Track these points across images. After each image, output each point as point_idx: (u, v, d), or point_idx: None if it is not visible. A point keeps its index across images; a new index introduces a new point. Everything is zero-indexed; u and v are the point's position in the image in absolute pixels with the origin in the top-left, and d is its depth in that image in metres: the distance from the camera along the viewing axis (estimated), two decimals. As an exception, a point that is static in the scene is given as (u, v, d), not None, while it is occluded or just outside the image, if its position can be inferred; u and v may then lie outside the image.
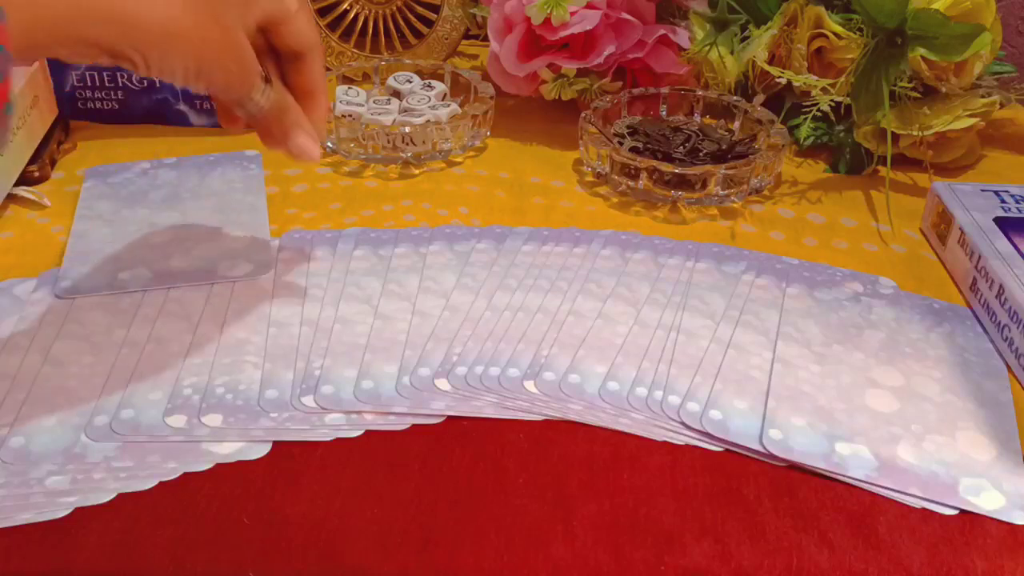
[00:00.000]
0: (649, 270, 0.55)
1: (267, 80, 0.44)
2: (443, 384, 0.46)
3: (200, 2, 0.40)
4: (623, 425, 0.44)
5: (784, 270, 0.56)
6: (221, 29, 0.41)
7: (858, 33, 0.65)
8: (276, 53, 0.47)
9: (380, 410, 0.45)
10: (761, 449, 0.43)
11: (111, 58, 0.39)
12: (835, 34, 0.67)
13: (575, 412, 0.45)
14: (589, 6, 0.69)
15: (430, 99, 0.71)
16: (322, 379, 0.46)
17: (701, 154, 0.66)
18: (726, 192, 0.63)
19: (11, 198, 0.61)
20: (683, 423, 0.44)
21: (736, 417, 0.45)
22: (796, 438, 0.44)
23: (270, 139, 0.47)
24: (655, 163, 0.62)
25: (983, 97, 0.67)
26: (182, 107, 0.71)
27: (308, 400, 0.45)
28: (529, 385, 0.46)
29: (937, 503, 0.41)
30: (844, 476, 0.42)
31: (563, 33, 0.69)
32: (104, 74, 0.69)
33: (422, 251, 0.56)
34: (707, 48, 0.71)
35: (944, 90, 0.67)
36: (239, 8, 0.42)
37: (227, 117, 0.48)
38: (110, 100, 0.70)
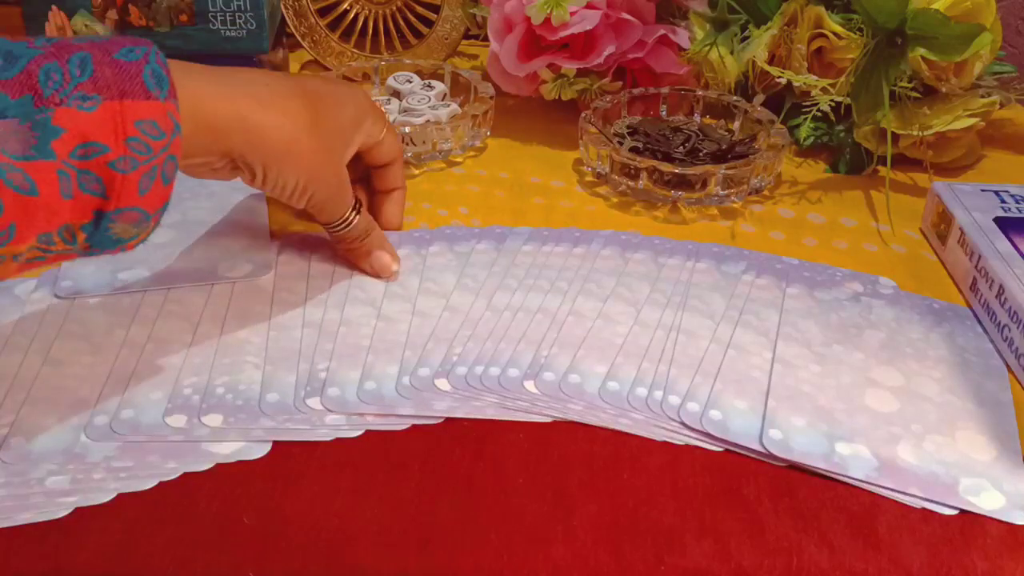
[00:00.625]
0: (649, 270, 0.55)
1: (358, 208, 0.52)
2: (443, 384, 0.46)
3: (316, 132, 0.46)
4: (623, 425, 0.44)
5: (784, 270, 0.56)
6: (329, 156, 0.48)
7: (858, 33, 0.65)
8: (366, 169, 0.57)
9: (383, 411, 0.45)
10: (761, 449, 0.43)
11: (234, 169, 0.45)
12: (835, 34, 0.67)
13: (575, 412, 0.45)
14: (589, 6, 0.69)
15: (430, 99, 0.71)
16: (328, 381, 0.46)
17: (701, 154, 0.66)
18: (726, 192, 0.63)
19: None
20: (683, 423, 0.44)
21: (736, 417, 0.45)
22: (796, 438, 0.44)
23: (352, 255, 0.54)
24: (655, 163, 0.62)
25: (983, 97, 0.67)
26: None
27: (312, 403, 0.45)
28: (529, 385, 0.46)
29: (937, 503, 0.41)
30: (844, 476, 0.42)
31: (563, 33, 0.69)
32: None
33: (422, 252, 0.56)
34: (707, 48, 0.71)
35: (944, 90, 0.67)
36: (344, 140, 0.50)
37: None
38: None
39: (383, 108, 0.69)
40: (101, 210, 0.38)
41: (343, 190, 0.50)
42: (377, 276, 0.53)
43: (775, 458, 0.43)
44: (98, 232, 0.38)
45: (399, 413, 0.44)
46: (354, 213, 0.51)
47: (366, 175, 0.58)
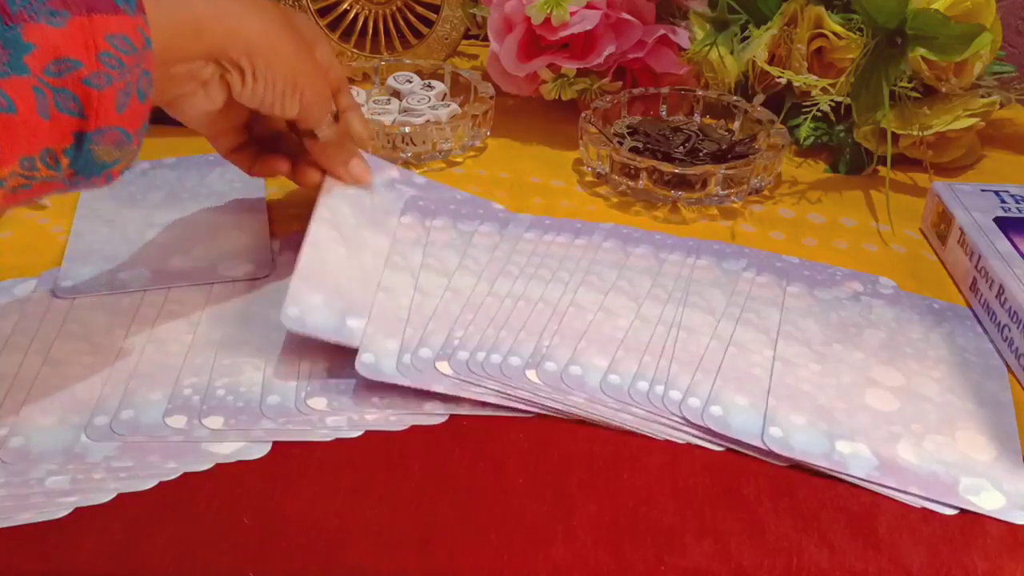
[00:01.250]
0: (650, 265, 0.55)
1: (334, 113, 0.52)
2: (444, 367, 0.46)
3: (289, 31, 0.47)
4: (624, 420, 0.44)
5: (784, 268, 0.56)
6: (309, 53, 0.49)
7: (858, 33, 0.65)
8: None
9: (381, 410, 0.45)
10: (762, 447, 0.43)
11: (222, 76, 0.45)
12: (835, 34, 0.67)
13: (576, 404, 0.45)
14: (589, 6, 0.69)
15: (430, 99, 0.71)
16: (324, 381, 0.46)
17: (701, 154, 0.66)
18: (726, 192, 0.63)
19: (11, 198, 0.61)
20: (684, 419, 0.44)
21: (737, 414, 0.45)
22: (797, 436, 0.44)
23: (332, 163, 0.54)
24: (655, 163, 0.62)
25: (983, 97, 0.67)
26: (182, 107, 0.71)
27: (313, 403, 0.45)
28: (531, 374, 0.46)
29: (937, 503, 0.41)
30: (844, 475, 0.42)
31: (563, 33, 0.69)
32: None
33: (427, 224, 0.56)
34: (707, 48, 0.71)
35: (944, 90, 0.67)
36: (309, 46, 0.50)
37: (267, 167, 0.55)
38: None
39: (383, 108, 0.70)
40: (81, 131, 0.38)
41: (326, 90, 0.51)
42: (355, 182, 0.55)
43: (775, 456, 0.43)
44: (81, 155, 0.38)
45: (397, 412, 0.44)
46: (333, 117, 0.52)
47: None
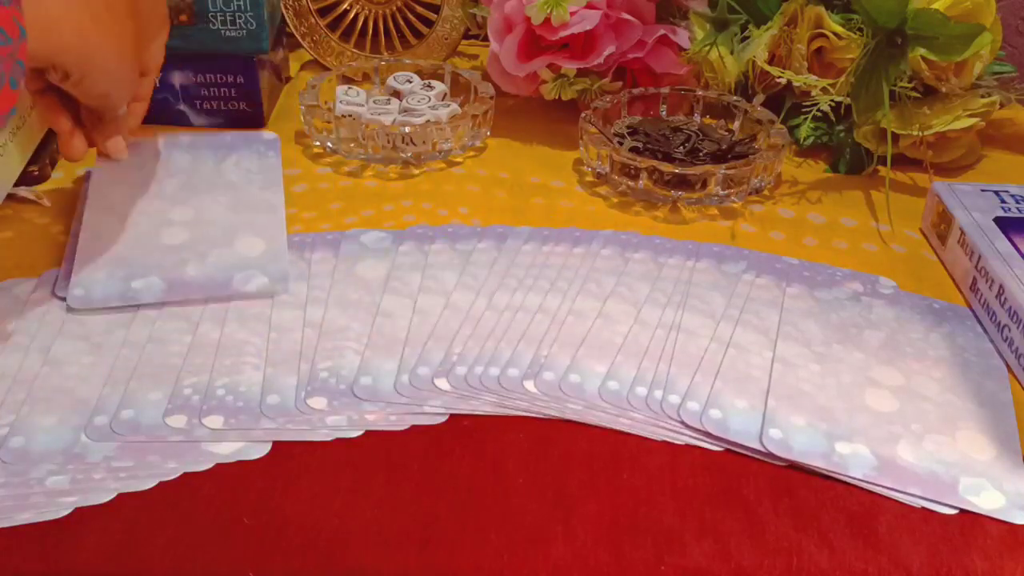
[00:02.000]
0: (649, 270, 0.55)
1: None
2: (443, 384, 0.46)
3: (111, 22, 0.47)
4: (623, 425, 0.44)
5: (784, 270, 0.56)
6: (128, 53, 0.50)
7: (858, 33, 0.65)
8: None
9: (379, 408, 0.45)
10: (761, 448, 0.43)
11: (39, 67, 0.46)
12: (835, 34, 0.67)
13: (574, 412, 0.45)
14: (589, 6, 0.69)
15: (430, 99, 0.71)
16: (328, 380, 0.46)
17: (701, 154, 0.66)
18: (726, 192, 0.63)
19: (11, 198, 0.61)
20: (683, 422, 0.44)
21: (736, 416, 0.45)
22: (796, 437, 0.44)
23: (96, 132, 0.54)
24: (655, 163, 0.62)
25: (983, 97, 0.67)
26: (182, 107, 0.71)
27: (313, 402, 0.45)
28: (529, 385, 0.46)
29: (937, 503, 0.41)
30: (844, 476, 0.42)
31: (563, 33, 0.69)
32: (104, 74, 0.69)
33: (425, 249, 0.56)
34: (707, 48, 0.71)
35: (944, 90, 0.67)
36: (141, 45, 0.51)
37: (51, 118, 0.54)
38: (110, 100, 0.70)
39: (383, 108, 0.70)
40: None
41: (134, 85, 0.52)
42: (109, 156, 0.56)
43: (775, 457, 0.43)
44: None
45: (399, 412, 0.44)
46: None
47: None
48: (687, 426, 0.44)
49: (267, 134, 0.65)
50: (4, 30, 0.39)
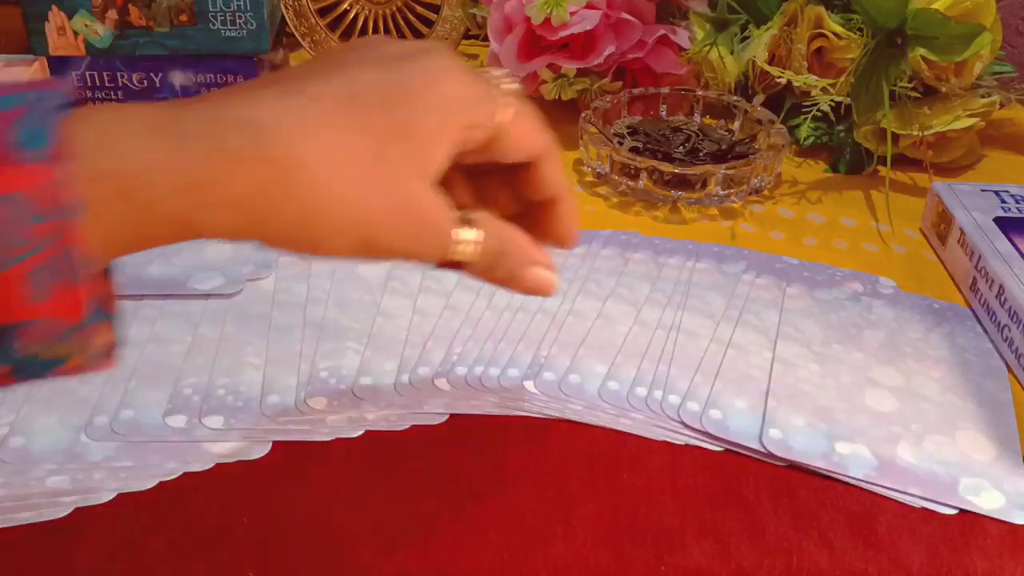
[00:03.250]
0: (649, 270, 0.55)
1: (469, 223, 0.35)
2: (443, 384, 0.46)
3: (356, 167, 0.31)
4: (623, 425, 0.44)
5: (784, 270, 0.56)
6: (390, 190, 0.32)
7: (858, 33, 0.65)
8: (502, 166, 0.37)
9: (379, 408, 0.45)
10: (761, 449, 0.43)
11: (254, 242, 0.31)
12: (835, 34, 0.67)
13: (574, 412, 0.45)
14: (589, 6, 0.69)
15: (430, 99, 0.71)
16: (328, 379, 0.46)
17: (701, 154, 0.66)
18: (726, 192, 0.63)
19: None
20: (683, 423, 0.44)
21: (736, 417, 0.45)
22: (796, 437, 0.44)
23: (496, 283, 0.38)
24: (655, 163, 0.62)
25: (983, 97, 0.67)
26: (182, 107, 0.71)
27: (313, 402, 0.45)
28: (529, 385, 0.46)
29: (937, 503, 0.41)
30: (844, 476, 0.42)
31: (563, 33, 0.69)
32: (104, 74, 0.69)
33: None
34: (707, 48, 0.71)
35: (944, 90, 0.67)
36: (414, 156, 0.32)
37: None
38: (110, 100, 0.70)
39: None
40: None
41: (427, 225, 0.33)
42: (535, 295, 0.39)
43: (775, 457, 0.43)
44: (6, 357, 0.27)
45: (399, 412, 0.44)
46: (464, 234, 0.34)
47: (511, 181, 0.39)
48: (687, 426, 0.44)
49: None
50: (33, 200, 0.26)
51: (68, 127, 0.26)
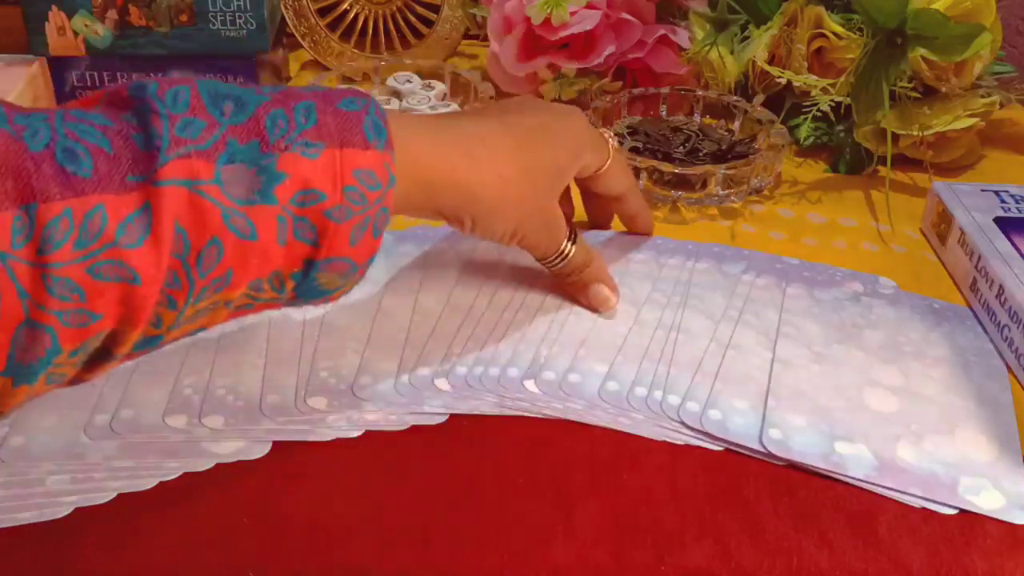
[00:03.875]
0: (650, 270, 0.55)
1: (573, 239, 0.50)
2: (443, 384, 0.46)
3: (526, 178, 0.45)
4: (623, 425, 0.44)
5: (784, 270, 0.56)
6: (537, 201, 0.47)
7: (858, 33, 0.65)
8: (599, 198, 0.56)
9: (379, 408, 0.45)
10: (761, 449, 0.43)
11: (443, 219, 0.44)
12: (835, 34, 0.67)
13: (575, 412, 0.45)
14: (589, 6, 0.69)
15: (430, 99, 0.71)
16: (328, 379, 0.46)
17: (701, 154, 0.66)
18: (726, 192, 0.63)
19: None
20: (683, 422, 0.44)
21: (735, 417, 0.45)
22: (796, 437, 0.44)
23: (568, 289, 0.52)
24: (655, 163, 0.62)
25: (983, 97, 0.67)
26: (182, 107, 0.71)
27: (313, 402, 0.45)
28: (529, 384, 0.46)
29: (937, 503, 0.41)
30: (844, 476, 0.42)
31: (563, 33, 0.69)
32: (104, 74, 0.69)
33: (424, 248, 0.56)
34: (707, 48, 0.71)
35: (944, 90, 0.67)
36: (556, 178, 0.48)
37: None
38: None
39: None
40: (311, 258, 0.37)
41: (553, 227, 0.48)
42: (594, 310, 0.51)
43: (775, 457, 0.43)
44: (306, 282, 0.38)
45: (399, 412, 0.44)
46: (570, 244, 0.49)
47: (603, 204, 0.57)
48: (687, 426, 0.44)
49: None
50: (375, 174, 0.38)
51: (392, 126, 0.39)
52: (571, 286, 0.52)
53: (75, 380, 0.36)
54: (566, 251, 0.49)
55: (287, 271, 0.37)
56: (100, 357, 0.35)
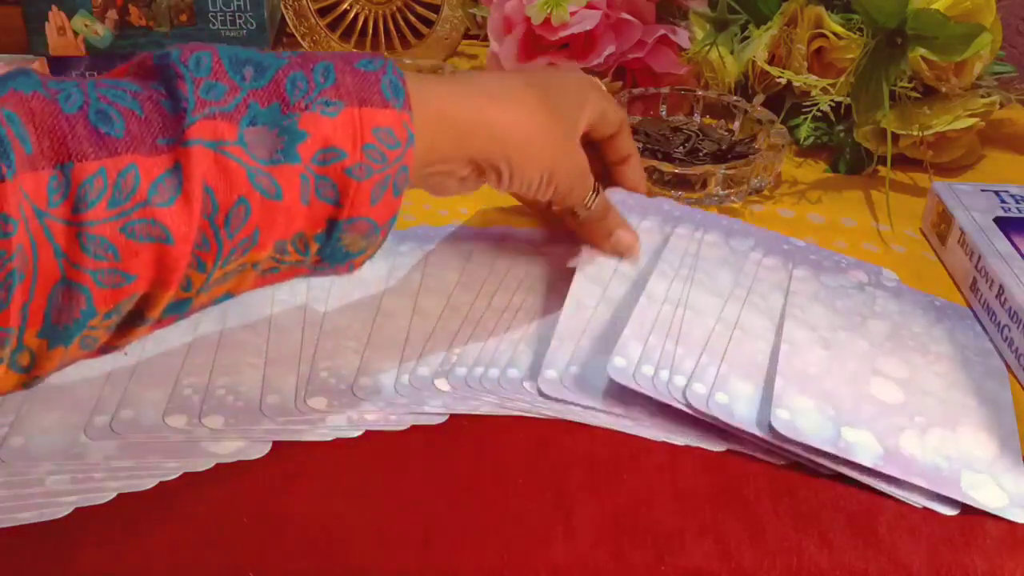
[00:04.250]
0: (655, 241, 0.54)
1: (596, 188, 0.50)
2: (443, 384, 0.46)
3: (552, 120, 0.46)
4: (623, 425, 0.44)
5: (791, 251, 0.56)
6: (567, 142, 0.48)
7: (858, 33, 0.65)
8: (595, 145, 0.54)
9: (379, 408, 0.45)
10: (766, 436, 0.42)
11: (479, 175, 0.45)
12: (835, 34, 0.67)
13: (575, 412, 0.45)
14: (589, 6, 0.69)
15: (430, 99, 0.71)
16: (328, 380, 0.46)
17: (701, 154, 0.66)
18: (726, 192, 0.63)
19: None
20: (689, 404, 0.44)
21: (741, 401, 0.44)
22: (803, 420, 0.43)
23: (594, 238, 0.52)
24: (655, 163, 0.62)
25: (983, 97, 0.67)
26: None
27: (313, 402, 0.45)
28: (529, 385, 0.46)
29: (939, 497, 0.41)
30: (850, 463, 0.42)
31: (563, 33, 0.69)
32: (104, 74, 0.69)
33: (425, 248, 0.56)
34: (707, 48, 0.71)
35: (944, 90, 0.67)
36: (576, 123, 0.49)
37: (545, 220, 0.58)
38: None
39: None
40: (334, 219, 0.38)
41: (584, 172, 0.49)
42: (619, 256, 0.52)
43: (780, 446, 0.42)
44: (329, 243, 0.39)
45: (399, 412, 0.44)
46: (594, 194, 0.50)
47: (597, 152, 0.56)
48: (692, 407, 0.43)
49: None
50: (394, 132, 0.38)
51: (410, 86, 0.39)
52: (593, 235, 0.52)
53: (106, 346, 0.37)
54: (591, 199, 0.50)
55: (311, 232, 0.38)
56: (132, 321, 0.36)
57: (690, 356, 0.46)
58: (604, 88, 0.54)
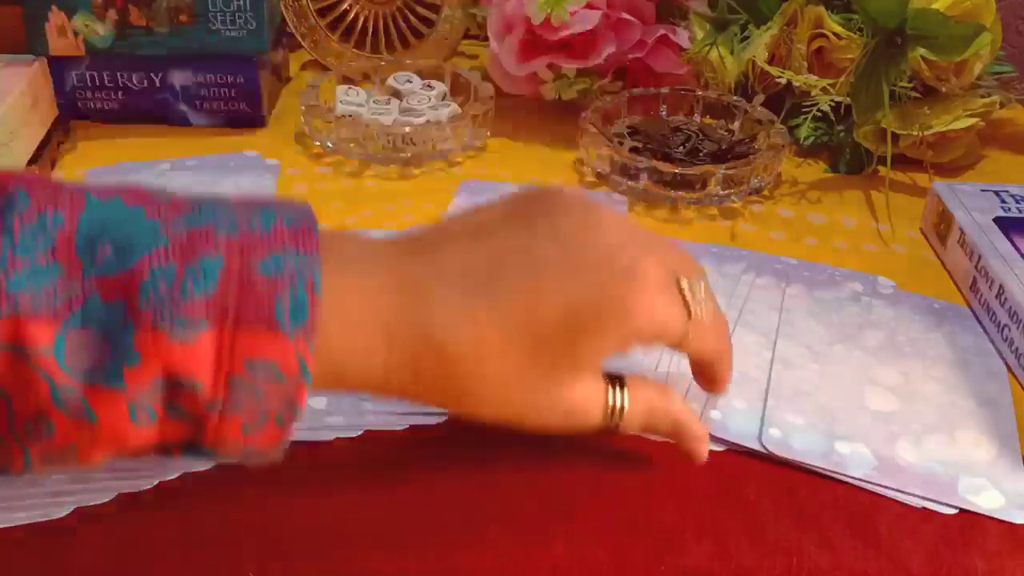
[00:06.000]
0: None
1: (617, 404, 0.38)
2: None
3: (529, 357, 0.35)
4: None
5: (784, 270, 0.56)
6: (546, 384, 0.36)
7: (858, 33, 0.65)
8: None
9: (379, 408, 0.45)
10: (761, 449, 0.43)
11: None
12: (835, 34, 0.67)
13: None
14: (589, 6, 0.69)
15: (430, 99, 0.71)
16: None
17: (701, 154, 0.66)
18: (726, 192, 0.63)
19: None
20: None
21: (736, 417, 0.45)
22: (796, 437, 0.44)
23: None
24: (655, 163, 0.62)
25: (983, 97, 0.67)
26: (182, 107, 0.71)
27: (313, 402, 0.45)
28: None
29: (937, 502, 0.41)
30: (844, 475, 0.42)
31: (563, 33, 0.69)
32: (104, 74, 0.69)
33: None
34: (707, 48, 0.71)
35: (944, 90, 0.67)
36: (577, 371, 0.36)
37: None
38: (110, 100, 0.70)
39: (383, 108, 0.69)
40: (194, 442, 0.32)
41: (573, 417, 0.38)
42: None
43: (775, 457, 0.43)
44: (199, 454, 0.33)
45: (398, 408, 0.44)
46: (614, 414, 0.38)
47: None
48: None
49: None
50: (277, 367, 0.31)
51: (318, 309, 0.31)
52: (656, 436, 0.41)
53: None
54: (611, 423, 0.39)
55: (169, 442, 0.32)
56: None
57: (683, 377, 0.46)
58: (689, 294, 0.38)
